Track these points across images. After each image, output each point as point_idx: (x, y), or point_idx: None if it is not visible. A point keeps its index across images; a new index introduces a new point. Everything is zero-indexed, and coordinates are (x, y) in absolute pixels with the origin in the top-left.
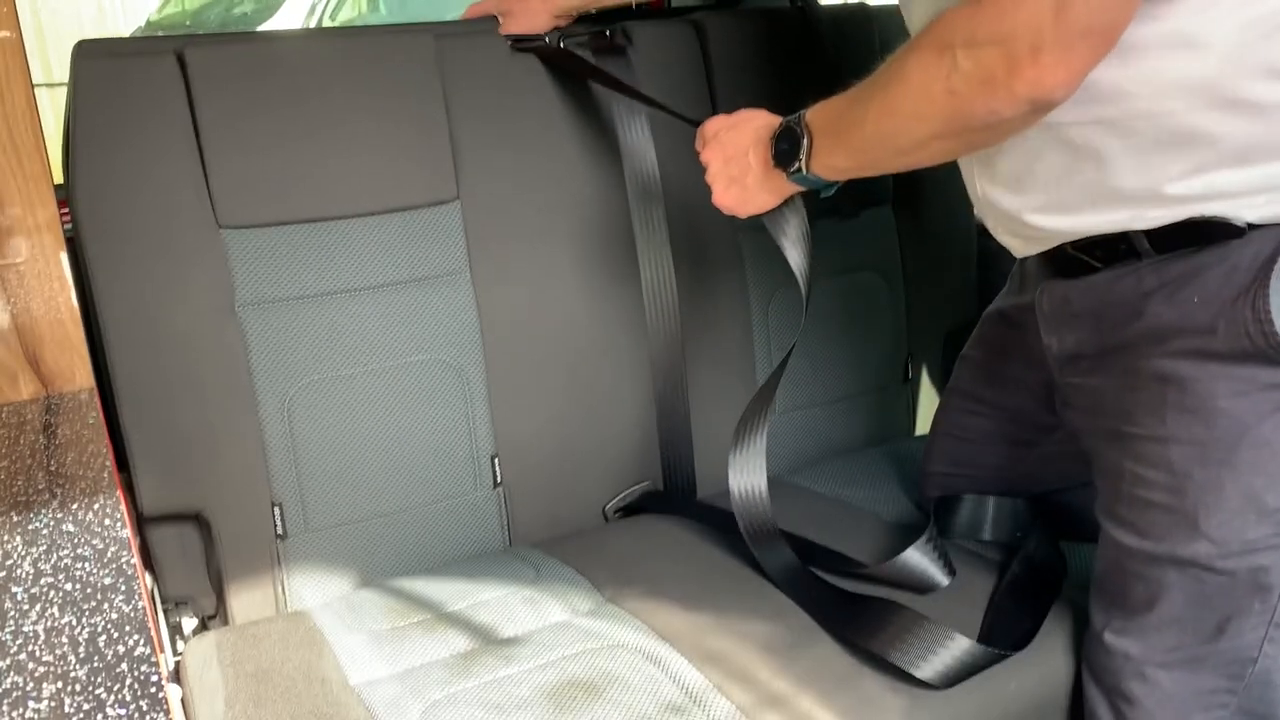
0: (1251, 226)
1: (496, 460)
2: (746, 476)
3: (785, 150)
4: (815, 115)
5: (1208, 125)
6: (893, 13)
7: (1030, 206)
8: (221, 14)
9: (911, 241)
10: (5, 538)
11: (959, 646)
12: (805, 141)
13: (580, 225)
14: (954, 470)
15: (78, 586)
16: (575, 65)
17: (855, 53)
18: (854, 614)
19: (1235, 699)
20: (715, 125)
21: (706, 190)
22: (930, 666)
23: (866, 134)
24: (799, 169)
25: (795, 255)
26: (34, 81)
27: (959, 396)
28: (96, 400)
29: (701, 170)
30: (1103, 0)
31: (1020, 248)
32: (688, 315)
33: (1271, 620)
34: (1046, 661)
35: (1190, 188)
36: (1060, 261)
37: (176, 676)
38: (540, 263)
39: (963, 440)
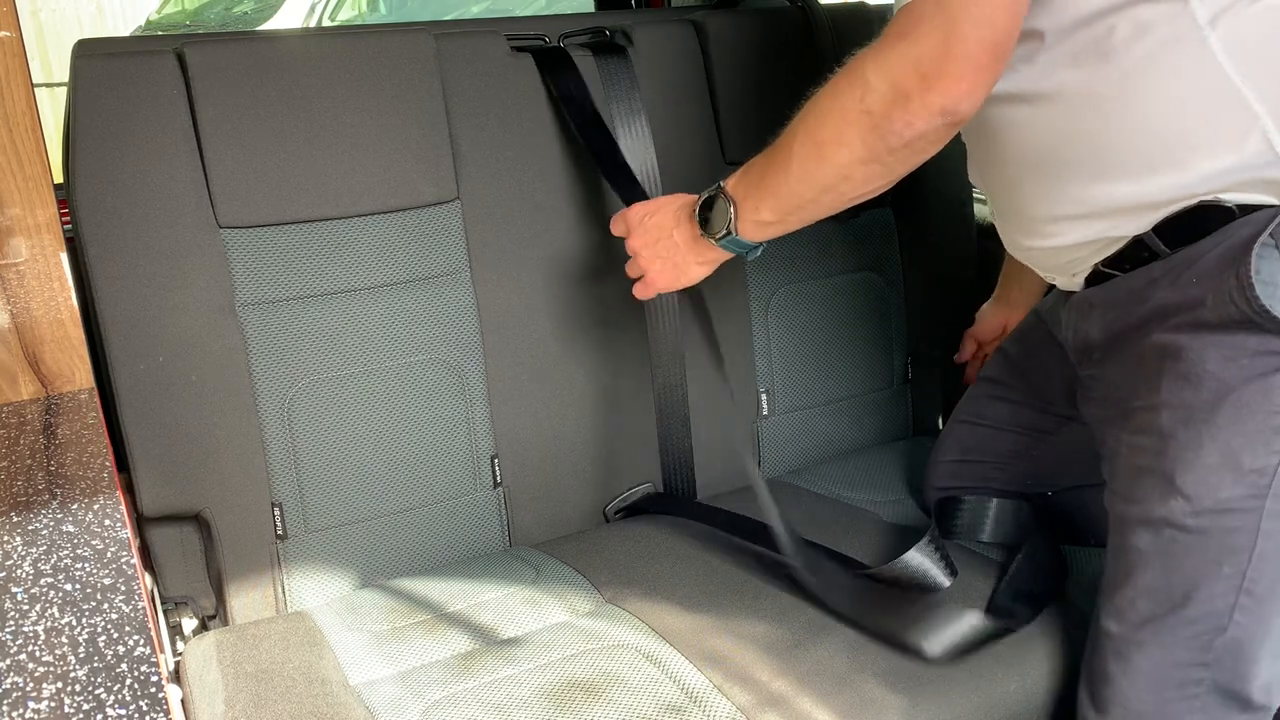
0: (1241, 209)
1: (496, 461)
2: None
3: (711, 218)
4: (733, 180)
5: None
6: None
7: (1020, 231)
8: (221, 14)
9: (911, 241)
10: (5, 538)
11: (963, 620)
12: (730, 206)
13: (580, 225)
14: (964, 457)
15: (78, 587)
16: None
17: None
18: (856, 590)
19: (1209, 674)
20: (638, 213)
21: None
22: (939, 640)
23: (791, 175)
24: (728, 232)
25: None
26: (34, 81)
27: (987, 383)
28: (96, 400)
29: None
30: (986, 16)
31: (1067, 282)
32: (687, 315)
33: (1241, 587)
34: (1047, 662)
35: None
36: (1095, 278)
37: (176, 677)
38: (540, 263)
39: (979, 426)
